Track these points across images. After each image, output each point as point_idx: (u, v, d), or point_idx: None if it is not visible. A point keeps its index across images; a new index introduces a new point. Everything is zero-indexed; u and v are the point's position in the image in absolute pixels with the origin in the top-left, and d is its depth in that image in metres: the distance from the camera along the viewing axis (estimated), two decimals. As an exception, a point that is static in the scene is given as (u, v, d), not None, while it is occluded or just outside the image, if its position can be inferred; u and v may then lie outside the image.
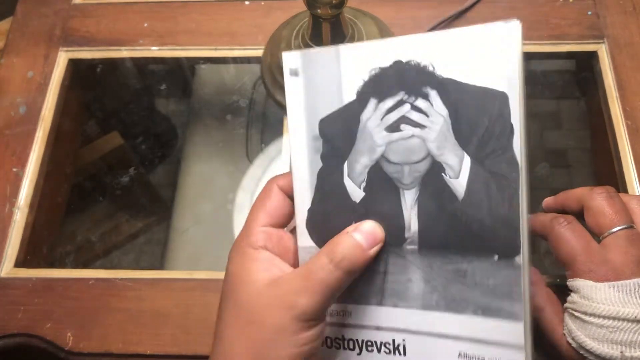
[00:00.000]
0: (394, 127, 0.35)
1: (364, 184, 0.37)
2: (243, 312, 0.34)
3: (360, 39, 0.56)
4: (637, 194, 0.52)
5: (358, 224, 0.36)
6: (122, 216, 0.90)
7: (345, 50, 0.36)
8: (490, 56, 0.33)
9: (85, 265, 0.79)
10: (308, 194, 0.37)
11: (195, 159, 0.79)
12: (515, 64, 0.33)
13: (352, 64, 0.36)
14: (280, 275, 0.35)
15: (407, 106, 0.35)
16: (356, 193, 0.37)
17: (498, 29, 0.32)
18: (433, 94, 0.34)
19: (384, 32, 0.59)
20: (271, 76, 0.58)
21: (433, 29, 0.60)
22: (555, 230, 0.39)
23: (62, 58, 0.62)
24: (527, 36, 0.60)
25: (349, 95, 0.36)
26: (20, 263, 0.53)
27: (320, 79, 0.37)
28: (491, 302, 0.34)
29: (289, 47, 0.57)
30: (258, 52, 0.61)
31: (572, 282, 0.38)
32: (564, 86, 0.76)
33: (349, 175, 0.37)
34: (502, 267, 0.34)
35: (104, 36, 0.63)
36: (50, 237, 0.61)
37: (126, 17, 0.64)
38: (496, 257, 0.34)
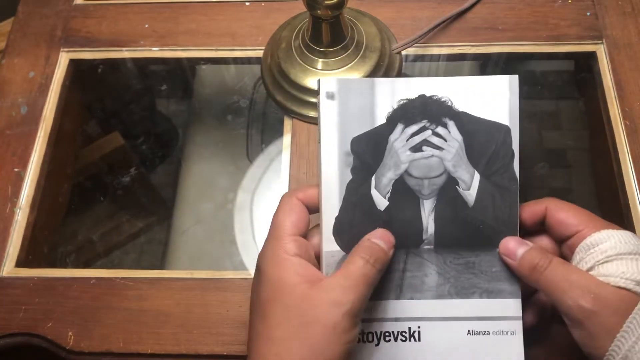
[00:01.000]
0: (416, 148, 0.43)
1: (388, 195, 0.43)
2: (294, 314, 0.37)
3: (360, 39, 0.57)
4: (636, 193, 0.53)
5: (372, 232, 0.41)
6: (123, 216, 0.90)
7: (380, 82, 0.43)
8: (496, 98, 0.43)
9: (86, 264, 0.79)
10: (336, 203, 0.42)
11: (195, 159, 0.80)
12: (515, 105, 0.42)
13: (384, 93, 0.43)
14: (319, 278, 0.39)
15: (428, 132, 0.43)
16: (381, 202, 0.43)
17: (503, 80, 0.43)
18: (450, 123, 0.42)
19: (384, 32, 0.59)
20: (271, 77, 0.59)
21: (432, 29, 0.60)
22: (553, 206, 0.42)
23: (63, 58, 0.63)
24: (526, 37, 0.60)
25: (380, 119, 0.43)
26: (21, 263, 0.53)
27: (354, 103, 0.43)
28: (495, 286, 0.42)
29: (289, 48, 0.57)
30: (258, 53, 0.61)
31: (597, 235, 0.39)
32: (563, 87, 0.77)
33: (375, 187, 0.43)
34: None
35: (105, 37, 0.63)
36: (52, 236, 0.61)
37: (127, 18, 0.64)
38: (498, 249, 0.42)
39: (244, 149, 0.77)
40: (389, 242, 0.41)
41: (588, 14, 0.61)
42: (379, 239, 0.41)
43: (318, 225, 0.43)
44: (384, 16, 0.61)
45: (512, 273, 0.42)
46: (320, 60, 0.56)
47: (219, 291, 0.51)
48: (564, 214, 0.41)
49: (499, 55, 0.61)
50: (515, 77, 0.42)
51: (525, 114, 0.78)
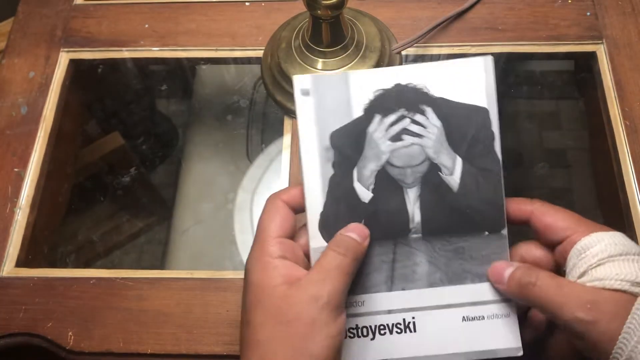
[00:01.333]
0: (396, 138, 0.42)
1: (372, 186, 0.43)
2: (274, 315, 0.38)
3: (360, 39, 0.57)
4: (636, 193, 0.53)
5: (344, 228, 0.41)
6: (123, 216, 0.90)
7: (354, 75, 0.43)
8: (472, 81, 0.42)
9: (86, 264, 0.79)
10: (320, 199, 0.42)
11: (195, 159, 0.80)
12: (492, 86, 0.42)
13: (359, 86, 0.43)
14: (299, 277, 0.39)
15: (407, 120, 0.42)
16: (365, 194, 0.42)
17: (478, 62, 0.42)
18: (429, 110, 0.42)
19: (384, 32, 0.59)
20: (271, 77, 0.59)
21: (432, 29, 0.60)
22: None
23: (63, 58, 0.63)
24: (526, 37, 0.60)
25: (357, 112, 0.43)
26: (21, 263, 0.53)
27: (330, 98, 0.43)
28: (486, 269, 0.42)
29: (289, 48, 0.57)
30: (258, 53, 0.61)
31: (587, 239, 0.39)
32: (563, 87, 0.77)
33: (358, 180, 0.42)
34: (492, 239, 0.43)
35: (105, 37, 0.63)
36: (52, 236, 0.61)
37: (127, 18, 0.64)
38: (486, 233, 0.43)
39: (244, 149, 0.77)
40: (362, 233, 0.41)
41: (588, 14, 0.61)
42: (350, 232, 0.41)
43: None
44: (384, 16, 0.61)
45: (503, 254, 0.42)
46: (320, 60, 0.56)
47: (219, 291, 0.51)
48: (551, 219, 0.40)
49: (499, 55, 0.61)
50: (490, 58, 0.42)
51: (526, 114, 0.78)
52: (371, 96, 0.42)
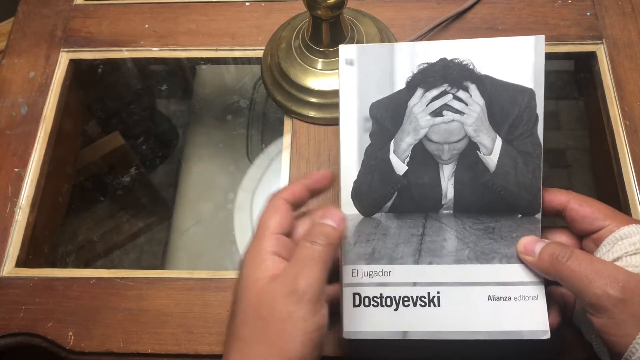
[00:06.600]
0: (436, 113, 0.42)
1: (407, 160, 0.43)
2: (252, 309, 0.37)
3: (360, 39, 0.57)
4: (636, 193, 0.53)
5: (321, 214, 0.41)
6: (123, 216, 0.90)
7: (400, 47, 0.43)
8: (520, 60, 0.41)
9: (87, 264, 0.79)
10: (355, 168, 0.43)
11: (195, 159, 0.80)
12: (541, 67, 0.41)
13: (404, 58, 0.42)
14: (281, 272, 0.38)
15: (449, 96, 0.42)
16: (400, 167, 0.43)
17: (528, 41, 0.41)
18: (472, 87, 0.42)
19: (384, 32, 0.59)
20: (271, 76, 0.59)
21: (432, 29, 0.60)
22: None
23: (64, 58, 0.63)
24: (526, 37, 0.60)
25: (399, 84, 0.43)
26: (21, 263, 0.53)
27: (373, 69, 0.43)
28: (515, 251, 0.42)
29: (289, 48, 0.57)
30: (258, 53, 0.61)
31: (627, 229, 0.39)
32: (563, 86, 0.76)
33: (394, 152, 0.43)
34: (524, 222, 0.42)
35: (105, 37, 0.63)
36: (52, 236, 0.61)
37: (127, 18, 0.64)
38: (519, 215, 0.42)
39: (244, 149, 0.77)
40: (335, 217, 0.40)
41: (588, 14, 0.61)
42: (325, 219, 0.40)
43: (304, 214, 0.43)
44: (384, 16, 0.61)
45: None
46: (320, 60, 0.56)
47: (219, 291, 0.51)
48: (589, 209, 0.41)
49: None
50: (542, 38, 0.42)
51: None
52: (415, 69, 0.42)
